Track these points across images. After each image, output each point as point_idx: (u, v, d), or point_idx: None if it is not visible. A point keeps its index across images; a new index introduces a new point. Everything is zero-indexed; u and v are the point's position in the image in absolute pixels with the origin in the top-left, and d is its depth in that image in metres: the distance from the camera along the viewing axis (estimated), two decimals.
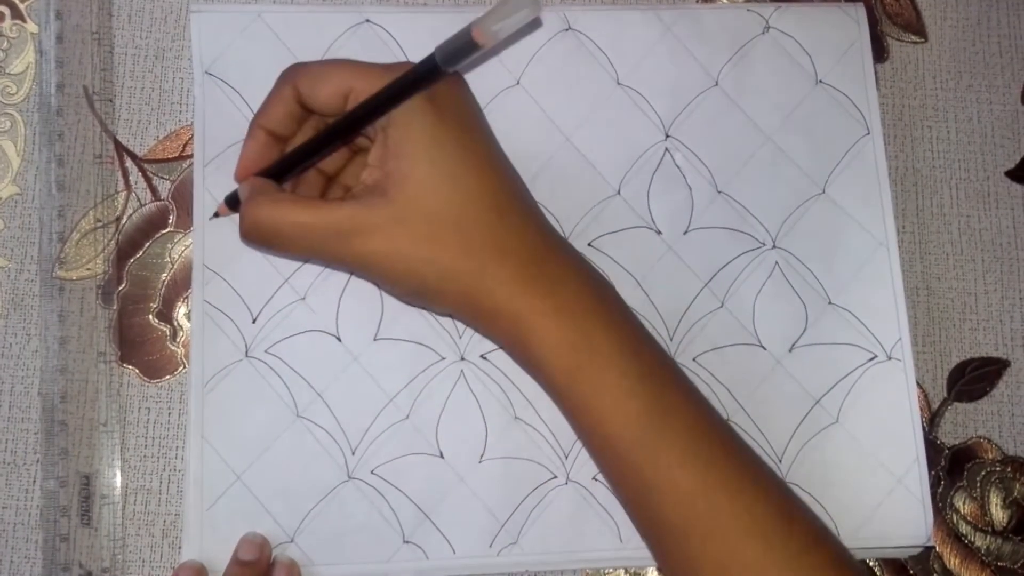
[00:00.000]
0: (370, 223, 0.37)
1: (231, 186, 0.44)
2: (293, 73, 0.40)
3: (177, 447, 0.44)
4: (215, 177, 0.45)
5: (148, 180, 0.46)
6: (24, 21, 0.47)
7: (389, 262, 0.37)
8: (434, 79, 0.36)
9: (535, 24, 0.47)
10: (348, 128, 0.39)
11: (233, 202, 0.43)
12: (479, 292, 0.38)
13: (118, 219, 0.46)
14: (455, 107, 0.38)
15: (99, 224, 0.45)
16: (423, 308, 0.43)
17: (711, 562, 0.36)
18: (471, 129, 0.38)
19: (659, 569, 0.43)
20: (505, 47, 0.47)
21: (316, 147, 0.40)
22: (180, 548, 0.43)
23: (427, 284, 0.38)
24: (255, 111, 0.45)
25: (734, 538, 0.36)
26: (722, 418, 0.39)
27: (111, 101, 0.46)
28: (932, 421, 0.47)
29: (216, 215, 0.44)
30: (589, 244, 0.46)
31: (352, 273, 0.44)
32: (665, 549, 0.38)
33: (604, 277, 0.41)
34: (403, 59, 0.46)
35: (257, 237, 0.39)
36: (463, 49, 0.35)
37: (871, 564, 0.45)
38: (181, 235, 0.46)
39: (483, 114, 0.40)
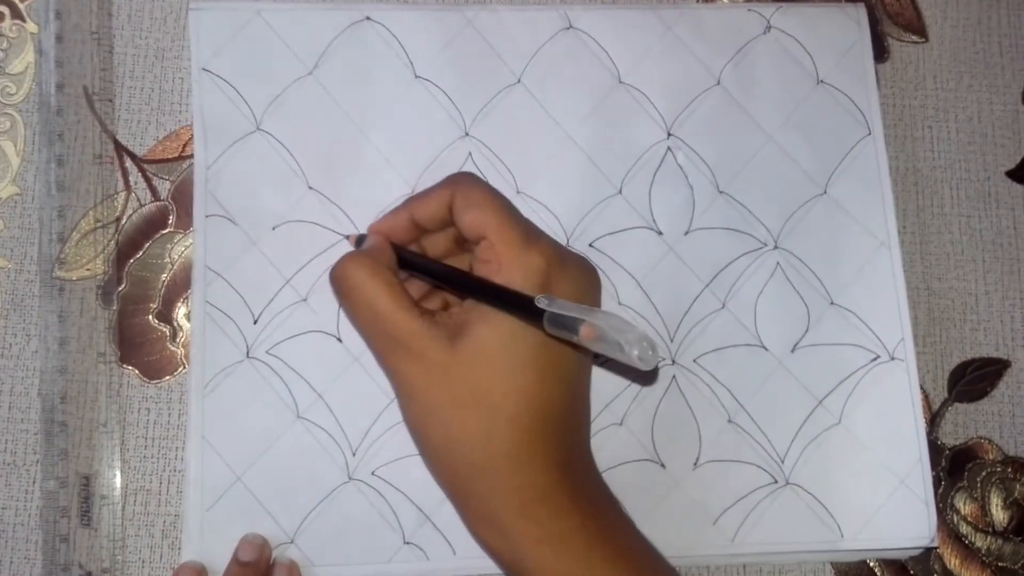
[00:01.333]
0: (423, 352, 0.36)
1: (230, 185, 0.44)
2: (457, 181, 0.39)
3: (177, 448, 0.44)
4: (216, 177, 0.45)
5: (148, 180, 0.46)
6: (24, 21, 0.47)
7: (414, 398, 0.37)
8: (534, 323, 0.35)
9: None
10: (460, 287, 0.39)
11: (359, 242, 0.43)
12: (478, 488, 0.37)
13: (118, 219, 0.45)
14: None
15: (99, 224, 0.45)
16: (422, 459, 0.41)
17: None
18: (560, 350, 0.37)
19: None
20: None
21: (433, 273, 0.40)
22: (180, 549, 0.43)
23: (432, 442, 0.38)
24: (254, 108, 0.45)
25: None
26: None
27: (111, 101, 0.46)
28: (933, 421, 0.47)
29: (347, 238, 0.44)
30: (590, 245, 0.46)
31: (384, 373, 0.43)
32: None
33: (617, 503, 0.39)
34: (403, 57, 0.47)
35: (339, 284, 0.39)
36: (566, 328, 0.34)
37: (871, 565, 0.45)
38: (181, 235, 0.46)
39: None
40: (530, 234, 0.38)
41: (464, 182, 0.39)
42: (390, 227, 0.41)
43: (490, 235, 0.37)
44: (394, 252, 0.40)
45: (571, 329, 0.33)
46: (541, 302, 0.35)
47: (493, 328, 0.36)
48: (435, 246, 0.41)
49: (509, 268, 0.36)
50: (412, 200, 0.40)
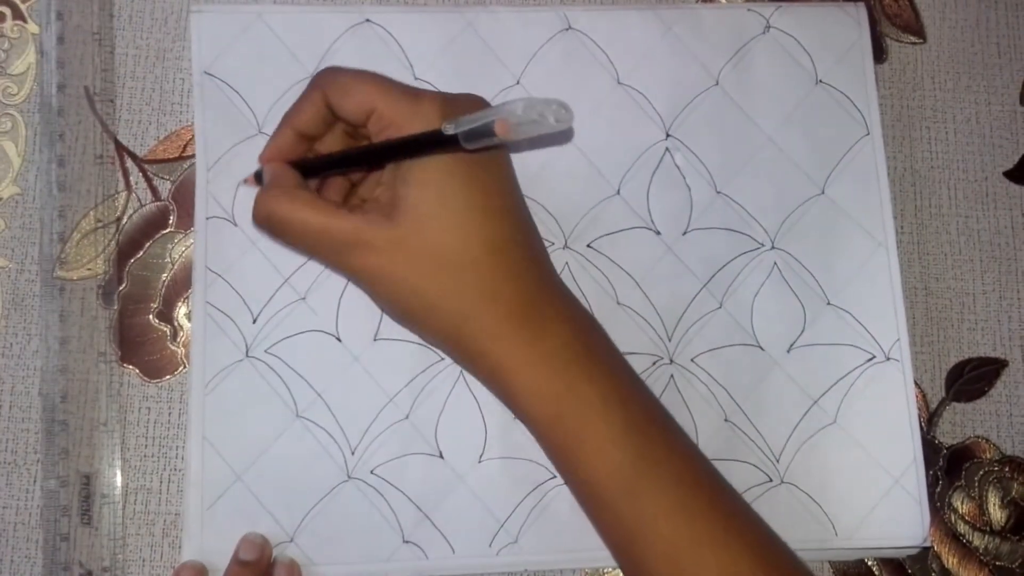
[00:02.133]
0: (370, 241, 0.37)
1: (232, 186, 0.45)
2: (323, 79, 0.40)
3: (177, 447, 0.44)
4: (217, 179, 0.45)
5: (149, 180, 0.46)
6: (25, 22, 0.47)
7: (381, 283, 0.38)
8: (454, 149, 0.36)
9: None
10: (369, 160, 0.40)
11: (259, 177, 0.43)
12: (463, 333, 0.38)
13: (119, 219, 0.46)
14: (480, 156, 0.38)
15: (100, 224, 0.45)
16: (413, 333, 0.44)
17: None
18: (488, 173, 0.38)
19: None
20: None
21: (339, 163, 0.41)
22: (180, 548, 0.43)
23: (414, 314, 0.39)
24: (256, 111, 0.45)
25: None
26: (711, 467, 0.39)
27: (112, 102, 0.46)
28: (930, 421, 0.47)
29: (245, 182, 0.44)
30: (588, 245, 0.46)
31: (350, 281, 0.44)
32: None
33: (597, 324, 0.41)
34: (403, 59, 0.47)
35: (267, 226, 0.39)
36: (483, 133, 0.34)
37: (869, 564, 0.45)
38: (181, 235, 0.46)
39: (509, 161, 0.40)
40: (414, 90, 0.39)
41: (328, 75, 0.40)
42: (279, 149, 0.41)
43: (377, 105, 0.38)
44: (294, 169, 0.40)
45: (487, 134, 0.34)
46: (448, 128, 0.35)
47: (422, 187, 0.37)
48: (330, 148, 0.42)
49: (407, 123, 0.37)
50: (287, 115, 0.41)
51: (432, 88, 0.46)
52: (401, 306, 0.39)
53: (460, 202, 0.37)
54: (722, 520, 0.37)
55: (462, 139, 0.35)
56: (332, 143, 0.42)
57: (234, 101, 0.46)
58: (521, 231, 0.39)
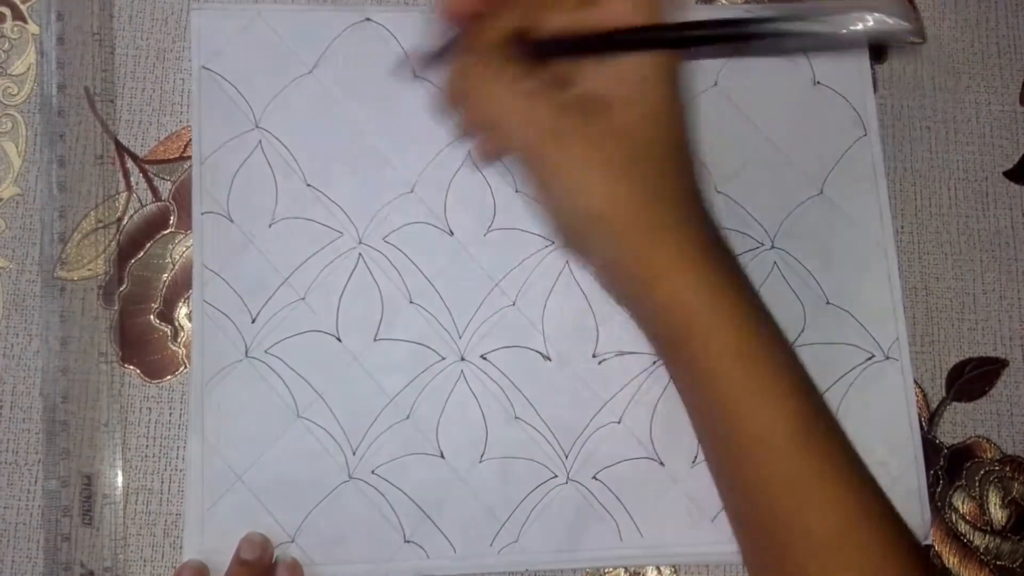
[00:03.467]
0: (577, 130, 0.34)
1: (227, 182, 0.45)
2: None
3: (178, 447, 0.44)
4: (213, 174, 0.45)
5: (149, 181, 0.46)
6: (25, 22, 0.47)
7: (577, 174, 0.35)
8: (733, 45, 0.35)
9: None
10: (623, 45, 0.35)
11: (433, 57, 0.39)
12: (651, 248, 0.35)
13: (119, 220, 0.46)
14: (688, 79, 0.36)
15: (100, 225, 0.45)
16: (575, 251, 0.38)
17: None
18: (689, 103, 0.36)
19: (752, 564, 0.39)
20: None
21: (581, 46, 0.36)
22: (181, 548, 0.43)
23: (603, 217, 0.35)
24: (253, 107, 0.45)
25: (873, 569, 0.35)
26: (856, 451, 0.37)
27: (112, 102, 0.46)
28: (931, 420, 0.47)
29: (424, 56, 0.40)
30: None
31: (527, 180, 0.38)
32: (784, 554, 0.36)
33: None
34: (403, 58, 0.47)
35: (468, 93, 0.36)
36: (805, 37, 0.32)
37: None
38: (182, 236, 0.46)
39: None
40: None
41: None
42: (468, 4, 0.36)
43: None
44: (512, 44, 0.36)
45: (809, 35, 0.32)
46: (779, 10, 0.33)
47: (648, 90, 0.35)
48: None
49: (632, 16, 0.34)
50: None
51: (432, 86, 0.46)
52: (592, 205, 0.35)
53: (678, 115, 0.35)
54: (879, 503, 0.36)
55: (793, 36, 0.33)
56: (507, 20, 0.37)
57: (232, 97, 0.46)
58: (697, 158, 0.37)
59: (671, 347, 0.37)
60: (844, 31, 0.32)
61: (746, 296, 0.36)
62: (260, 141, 0.45)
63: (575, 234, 0.37)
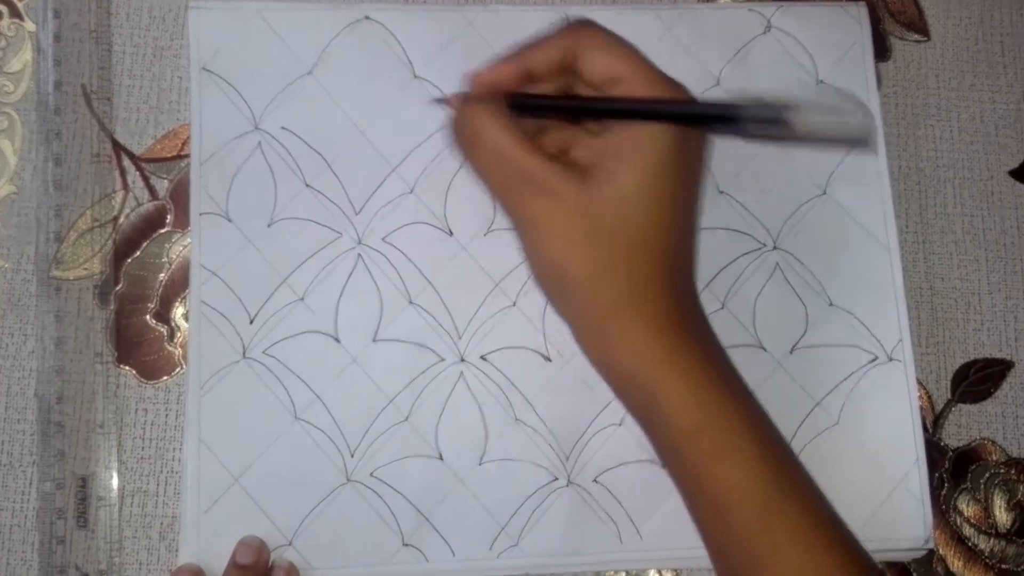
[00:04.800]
0: (559, 191, 0.36)
1: (225, 182, 0.45)
2: (581, 31, 0.38)
3: (174, 449, 0.44)
4: (211, 174, 0.45)
5: (146, 179, 0.46)
6: (22, 19, 0.47)
7: (550, 235, 0.37)
8: (709, 127, 0.36)
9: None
10: (602, 113, 0.38)
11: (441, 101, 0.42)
12: (614, 316, 0.37)
13: (115, 219, 0.45)
14: (694, 152, 0.37)
15: (96, 224, 0.45)
16: (551, 300, 0.40)
17: None
18: (693, 173, 0.38)
19: None
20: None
21: (561, 108, 0.39)
22: (177, 551, 0.42)
23: (568, 279, 0.37)
24: (252, 107, 0.45)
25: None
26: (827, 502, 0.38)
27: (109, 100, 0.46)
28: (936, 423, 0.47)
29: (445, 100, 0.43)
30: None
31: (510, 223, 0.40)
32: None
33: (722, 346, 0.39)
34: (403, 57, 0.46)
35: (463, 136, 0.38)
36: (771, 123, 0.33)
37: None
38: (179, 235, 0.45)
39: (703, 175, 0.39)
40: (666, 75, 0.37)
41: (587, 29, 0.38)
42: (501, 75, 0.39)
43: (625, 75, 0.36)
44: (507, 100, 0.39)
45: (778, 122, 0.33)
46: (742, 102, 0.34)
47: (634, 165, 0.36)
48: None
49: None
50: (524, 50, 0.39)
51: (433, 87, 0.46)
52: (561, 267, 0.37)
53: (665, 192, 0.36)
54: (841, 554, 0.37)
55: (751, 121, 0.34)
56: (549, 91, 0.40)
57: (231, 97, 0.45)
58: (694, 238, 0.39)
59: (635, 412, 0.38)
60: (803, 130, 0.32)
61: (713, 369, 0.37)
62: (259, 142, 0.45)
63: (545, 287, 0.39)
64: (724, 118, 0.35)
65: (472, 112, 0.38)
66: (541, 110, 0.39)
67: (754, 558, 0.36)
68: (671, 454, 0.38)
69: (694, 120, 0.36)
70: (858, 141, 0.34)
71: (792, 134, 0.32)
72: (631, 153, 0.36)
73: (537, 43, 0.39)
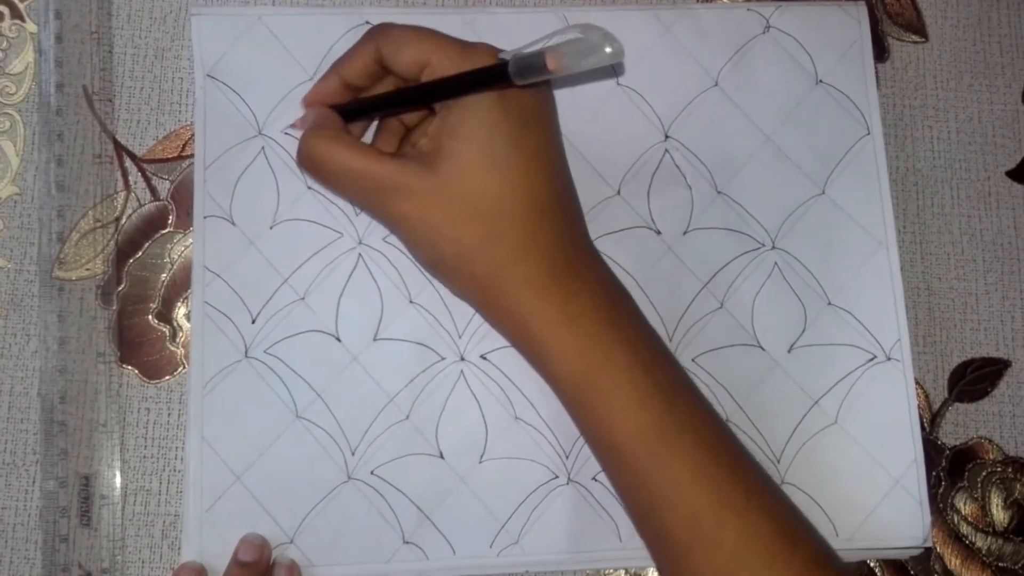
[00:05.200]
0: (408, 185, 0.38)
1: (229, 186, 0.45)
2: (378, 33, 0.41)
3: (177, 448, 0.44)
4: (216, 179, 0.45)
5: (147, 180, 0.46)
6: (23, 21, 0.47)
7: (416, 229, 0.39)
8: (504, 86, 0.37)
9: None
10: (417, 99, 0.40)
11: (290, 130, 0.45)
12: (494, 285, 0.38)
13: (117, 219, 0.45)
14: (522, 104, 0.38)
15: (98, 224, 0.45)
16: (442, 283, 0.44)
17: None
18: (532, 128, 0.39)
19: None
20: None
21: (386, 103, 0.42)
22: (180, 549, 0.43)
23: (446, 262, 0.39)
24: (256, 112, 0.45)
25: (737, 557, 0.36)
26: (733, 436, 0.39)
27: (110, 101, 0.46)
28: (933, 421, 0.47)
29: (292, 126, 0.45)
30: None
31: (387, 228, 0.44)
32: (668, 561, 0.38)
33: (624, 289, 0.41)
34: None
35: (309, 167, 0.40)
36: (533, 69, 0.35)
37: (872, 565, 0.45)
38: (181, 235, 0.46)
39: (555, 117, 0.41)
40: (466, 42, 0.39)
41: (383, 29, 0.41)
42: (324, 94, 0.42)
43: (432, 59, 0.38)
44: (337, 113, 0.42)
45: (539, 68, 0.34)
46: (505, 55, 0.37)
47: (466, 139, 0.37)
48: (411, 119, 0.43)
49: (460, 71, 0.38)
50: (336, 64, 0.42)
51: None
52: (433, 254, 0.39)
53: (503, 155, 0.38)
54: (744, 487, 0.37)
55: (513, 72, 0.35)
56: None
57: (234, 103, 0.46)
58: (560, 189, 0.40)
59: (535, 369, 0.40)
60: (559, 69, 0.34)
61: (599, 316, 0.38)
62: (263, 147, 0.45)
63: (431, 273, 0.43)
64: (500, 75, 0.36)
65: (310, 140, 0.40)
66: (367, 111, 0.42)
67: (651, 502, 0.37)
68: (566, 405, 0.39)
69: (481, 84, 0.38)
70: (605, 69, 0.40)
71: (555, 74, 0.34)
72: (459, 127, 0.38)
73: (346, 54, 0.41)
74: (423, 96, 0.40)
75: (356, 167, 0.38)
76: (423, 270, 0.44)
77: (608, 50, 0.33)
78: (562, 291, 0.38)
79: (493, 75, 0.37)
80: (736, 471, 0.37)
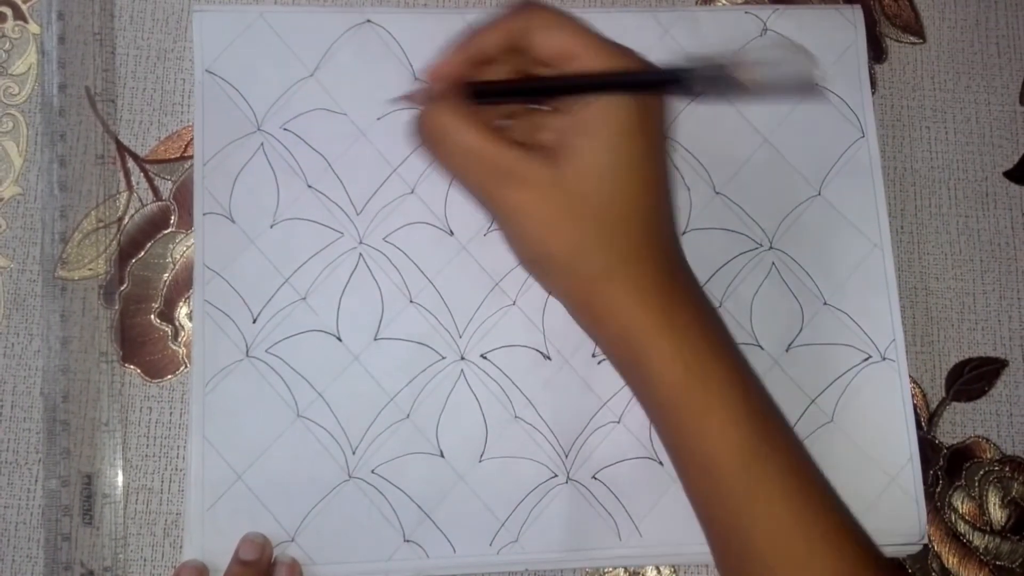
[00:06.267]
0: (528, 176, 0.36)
1: (228, 183, 0.45)
2: (529, 12, 0.38)
3: (178, 447, 0.44)
4: (215, 175, 0.45)
5: (150, 180, 0.46)
6: (26, 22, 0.47)
7: (527, 222, 0.37)
8: (663, 90, 0.36)
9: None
10: (562, 90, 0.38)
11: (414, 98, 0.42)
12: (599, 288, 0.37)
13: (120, 219, 0.46)
14: (654, 117, 0.38)
15: (101, 224, 0.45)
16: (539, 282, 0.41)
17: None
18: (656, 143, 0.38)
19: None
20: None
21: (524, 89, 0.39)
22: (181, 547, 0.43)
23: (553, 259, 0.38)
24: (255, 109, 0.45)
25: None
26: (817, 466, 0.39)
27: (113, 102, 0.47)
28: (930, 421, 0.47)
29: (401, 98, 0.42)
30: None
31: (488, 216, 0.43)
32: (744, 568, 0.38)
33: (713, 305, 0.40)
34: (403, 59, 0.47)
35: (427, 139, 0.38)
36: (719, 81, 0.34)
37: None
38: (183, 235, 0.46)
39: (666, 137, 0.39)
40: (618, 44, 0.37)
41: (536, 8, 0.38)
42: (454, 66, 0.39)
43: (580, 51, 0.37)
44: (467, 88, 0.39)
45: (729, 83, 0.33)
46: (691, 63, 0.34)
47: (597, 138, 0.36)
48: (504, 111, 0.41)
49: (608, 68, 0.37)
50: (472, 36, 0.38)
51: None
52: (542, 249, 0.38)
53: (634, 160, 0.37)
54: (834, 516, 0.37)
55: (701, 81, 0.34)
56: (502, 74, 0.40)
57: (234, 99, 0.46)
58: (669, 200, 0.39)
59: (626, 375, 0.39)
60: (749, 84, 0.33)
61: (701, 329, 0.37)
62: (262, 144, 0.46)
63: (531, 269, 0.40)
64: (675, 81, 0.35)
65: (433, 113, 0.38)
66: (501, 95, 0.39)
67: (738, 517, 0.37)
68: (659, 413, 0.38)
69: (648, 86, 0.36)
70: (803, 88, 0.36)
71: (739, 89, 0.33)
72: (593, 127, 0.36)
73: (486, 26, 0.38)
74: (567, 88, 0.38)
75: (478, 147, 0.37)
76: (524, 267, 0.41)
77: (798, 68, 0.32)
78: (666, 300, 0.37)
79: (657, 79, 0.36)
80: (825, 499, 0.37)
